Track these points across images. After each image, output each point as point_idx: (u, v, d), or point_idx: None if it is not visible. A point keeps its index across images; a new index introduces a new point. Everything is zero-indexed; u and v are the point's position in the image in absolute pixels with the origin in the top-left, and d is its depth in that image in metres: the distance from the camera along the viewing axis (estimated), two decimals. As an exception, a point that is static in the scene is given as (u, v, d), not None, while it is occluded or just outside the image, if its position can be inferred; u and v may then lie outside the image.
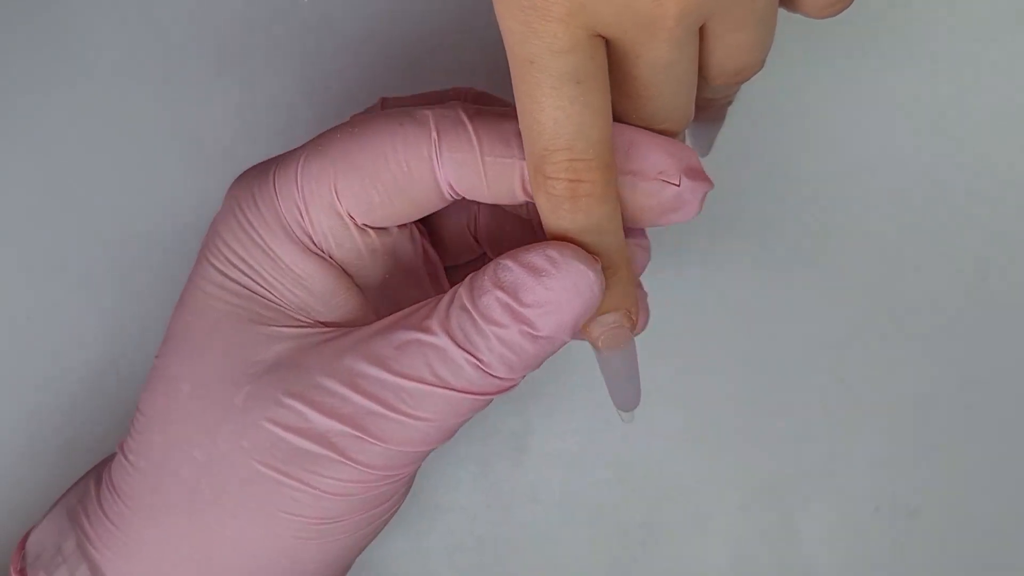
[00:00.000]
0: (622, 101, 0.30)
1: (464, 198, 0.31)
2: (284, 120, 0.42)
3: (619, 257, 0.30)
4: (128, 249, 0.42)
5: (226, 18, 0.43)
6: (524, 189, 0.30)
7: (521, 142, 0.30)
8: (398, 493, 0.32)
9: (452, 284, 0.33)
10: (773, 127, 0.44)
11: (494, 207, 0.34)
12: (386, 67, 0.43)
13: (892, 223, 0.43)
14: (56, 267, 0.42)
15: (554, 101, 0.28)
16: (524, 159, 0.30)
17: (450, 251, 0.36)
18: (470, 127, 0.30)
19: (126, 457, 0.32)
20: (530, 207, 0.33)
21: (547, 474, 0.42)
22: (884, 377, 0.43)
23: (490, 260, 0.35)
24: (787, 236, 0.43)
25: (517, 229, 0.34)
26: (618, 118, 0.31)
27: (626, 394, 0.32)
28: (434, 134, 0.30)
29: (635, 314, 0.30)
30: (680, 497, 0.42)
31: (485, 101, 0.35)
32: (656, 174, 0.30)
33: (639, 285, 0.32)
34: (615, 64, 0.29)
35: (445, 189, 0.31)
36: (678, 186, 0.30)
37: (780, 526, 0.42)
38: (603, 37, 0.28)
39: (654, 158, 0.30)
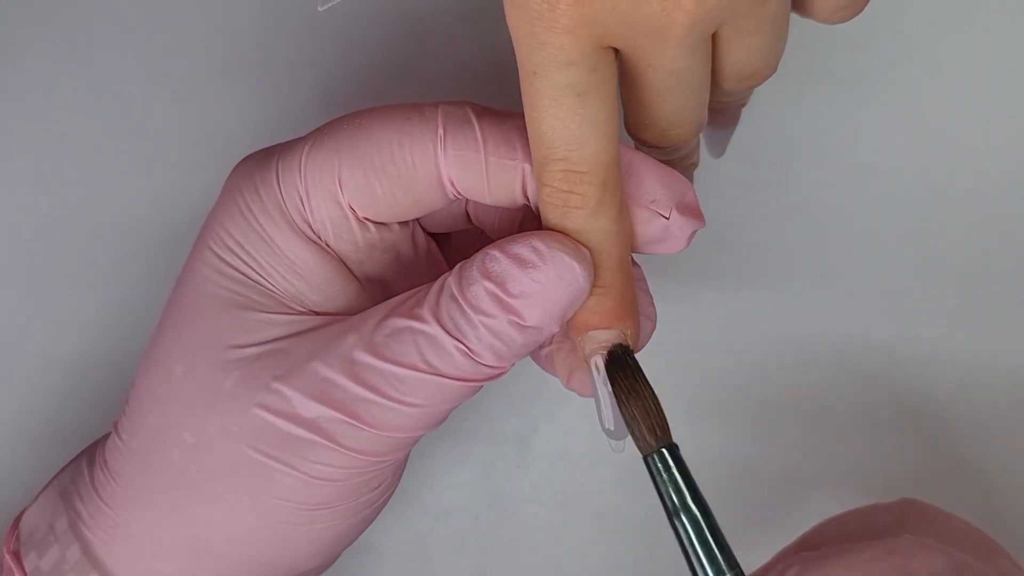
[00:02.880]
0: (635, 108, 0.30)
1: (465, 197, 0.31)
2: (293, 122, 0.42)
3: (614, 275, 0.30)
4: (132, 247, 0.42)
5: (235, 19, 0.43)
6: (524, 193, 0.30)
7: (525, 145, 0.30)
8: (387, 480, 0.32)
9: None
10: (773, 127, 0.44)
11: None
12: (398, 72, 0.43)
13: (892, 223, 0.43)
14: (60, 263, 0.42)
15: (553, 112, 0.28)
16: (528, 163, 0.30)
17: (456, 248, 0.36)
18: (477, 126, 0.30)
19: (119, 436, 0.32)
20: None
21: (549, 475, 0.42)
22: (884, 377, 0.43)
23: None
24: (786, 236, 0.43)
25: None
26: (632, 126, 0.31)
27: (613, 425, 0.31)
28: (440, 130, 0.30)
29: (631, 337, 0.30)
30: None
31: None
32: (648, 202, 0.30)
33: (651, 316, 0.32)
34: (627, 72, 0.29)
35: (448, 188, 0.31)
36: (667, 218, 0.30)
37: (781, 526, 0.42)
38: (613, 48, 0.28)
39: (649, 186, 0.30)
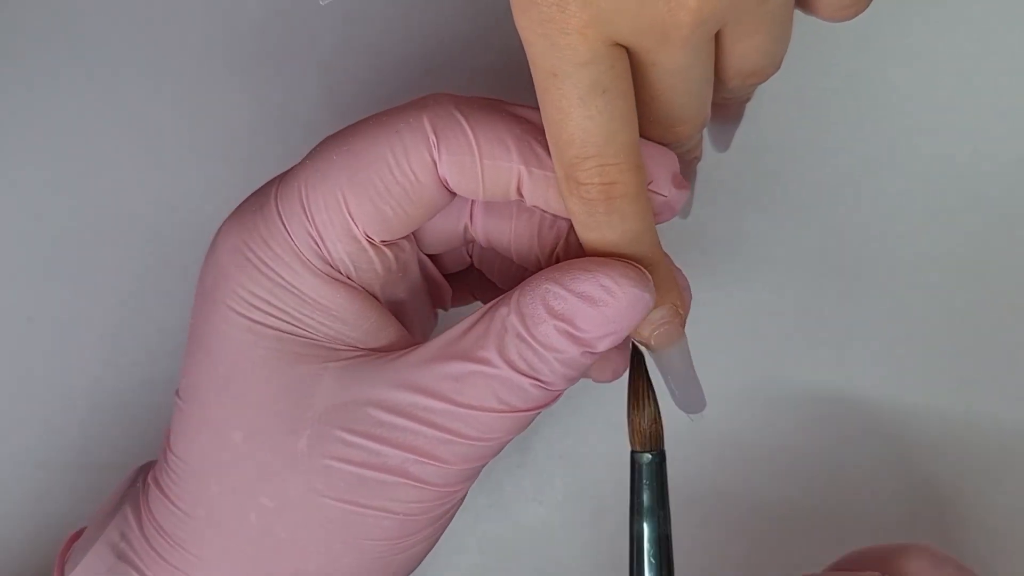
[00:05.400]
0: (639, 105, 0.30)
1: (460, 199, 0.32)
2: (297, 123, 0.42)
3: (656, 254, 0.30)
4: (134, 246, 0.42)
5: (239, 18, 0.43)
6: (518, 190, 0.30)
7: (518, 145, 0.30)
8: (464, 492, 0.33)
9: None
10: (773, 127, 0.44)
11: (491, 205, 0.34)
12: (401, 72, 0.43)
13: (892, 223, 0.43)
14: (60, 265, 0.42)
15: (582, 111, 0.28)
16: (523, 164, 0.30)
17: (444, 248, 0.35)
18: (467, 127, 0.30)
19: (176, 505, 0.32)
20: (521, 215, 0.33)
21: (549, 474, 0.42)
22: (884, 376, 0.43)
23: (475, 271, 0.36)
24: (787, 236, 0.43)
25: (516, 224, 0.34)
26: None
27: (690, 393, 0.32)
28: (432, 136, 0.30)
29: (682, 307, 0.31)
30: (681, 497, 0.42)
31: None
32: (647, 185, 0.30)
33: (686, 286, 0.33)
34: (632, 70, 0.29)
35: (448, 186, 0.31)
36: (666, 196, 0.31)
37: (781, 526, 0.42)
38: (622, 46, 0.28)
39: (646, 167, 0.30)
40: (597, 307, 0.28)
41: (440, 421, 0.29)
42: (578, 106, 0.28)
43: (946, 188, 0.43)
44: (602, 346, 0.29)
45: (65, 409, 0.41)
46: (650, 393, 0.32)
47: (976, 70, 0.44)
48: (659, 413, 0.32)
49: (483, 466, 0.31)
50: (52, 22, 0.42)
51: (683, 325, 0.31)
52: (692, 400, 0.32)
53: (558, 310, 0.28)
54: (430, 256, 0.34)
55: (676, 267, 0.33)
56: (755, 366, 0.43)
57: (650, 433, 0.32)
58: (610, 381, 0.33)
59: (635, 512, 0.32)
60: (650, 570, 0.32)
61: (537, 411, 0.30)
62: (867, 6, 0.31)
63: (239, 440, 0.31)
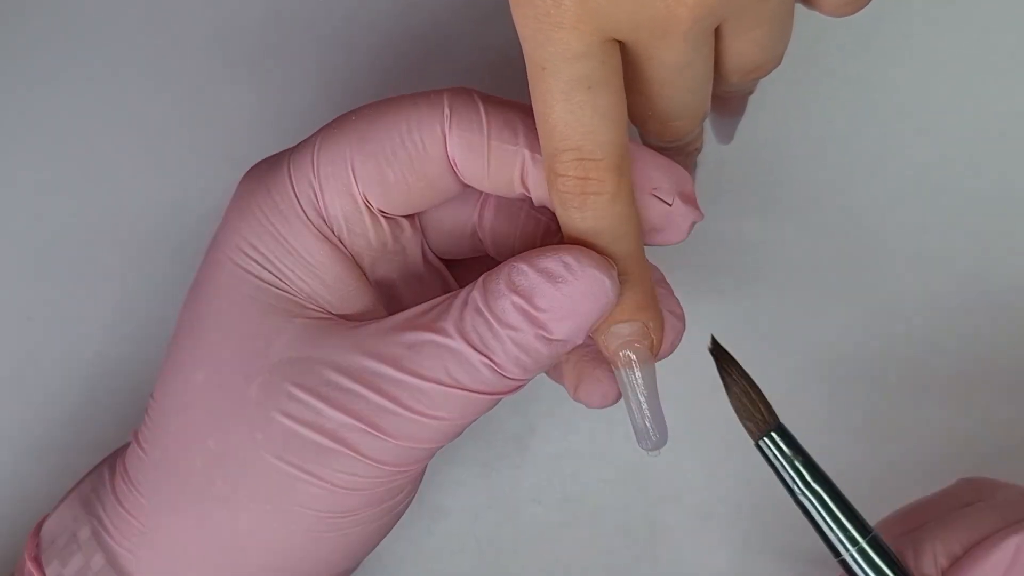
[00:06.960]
0: (638, 100, 0.30)
1: (470, 190, 0.32)
2: (295, 120, 0.42)
3: (633, 264, 0.30)
4: (138, 247, 0.42)
5: (241, 18, 0.43)
6: (523, 181, 0.31)
7: (527, 132, 0.30)
8: (409, 487, 0.32)
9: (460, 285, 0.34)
10: (772, 127, 0.44)
11: (500, 208, 0.34)
12: (402, 70, 0.43)
13: (892, 223, 0.43)
14: (61, 265, 0.42)
15: (564, 105, 0.28)
16: (529, 149, 0.30)
17: (453, 252, 0.36)
18: (482, 109, 0.30)
19: (140, 446, 0.32)
20: (532, 207, 0.33)
21: (548, 475, 0.42)
22: (883, 378, 0.43)
23: (490, 260, 0.35)
24: (786, 236, 0.43)
25: (522, 231, 0.34)
26: (634, 116, 0.31)
27: (651, 426, 0.30)
28: (447, 110, 0.30)
29: (655, 330, 0.30)
30: (681, 497, 0.42)
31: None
32: (651, 190, 0.30)
33: (679, 315, 0.32)
34: (630, 65, 0.29)
35: (455, 171, 0.31)
36: (670, 205, 0.30)
37: (781, 525, 0.42)
38: (617, 41, 0.28)
39: (650, 174, 0.30)
40: (556, 284, 0.28)
41: (385, 387, 0.29)
42: (561, 99, 0.28)
43: (947, 188, 0.44)
44: (558, 331, 0.28)
45: (63, 408, 0.41)
46: (742, 376, 0.32)
47: (976, 70, 0.44)
48: (756, 389, 0.32)
49: (426, 457, 0.31)
50: (52, 22, 0.42)
51: (653, 350, 0.30)
52: (651, 434, 0.30)
53: (519, 285, 0.28)
54: (443, 260, 0.34)
55: (675, 298, 0.32)
56: (754, 366, 0.43)
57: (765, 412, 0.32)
58: (600, 407, 0.32)
59: (793, 494, 0.32)
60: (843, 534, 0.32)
61: (488, 398, 0.29)
62: (868, 1, 0.31)
63: (200, 381, 0.31)
